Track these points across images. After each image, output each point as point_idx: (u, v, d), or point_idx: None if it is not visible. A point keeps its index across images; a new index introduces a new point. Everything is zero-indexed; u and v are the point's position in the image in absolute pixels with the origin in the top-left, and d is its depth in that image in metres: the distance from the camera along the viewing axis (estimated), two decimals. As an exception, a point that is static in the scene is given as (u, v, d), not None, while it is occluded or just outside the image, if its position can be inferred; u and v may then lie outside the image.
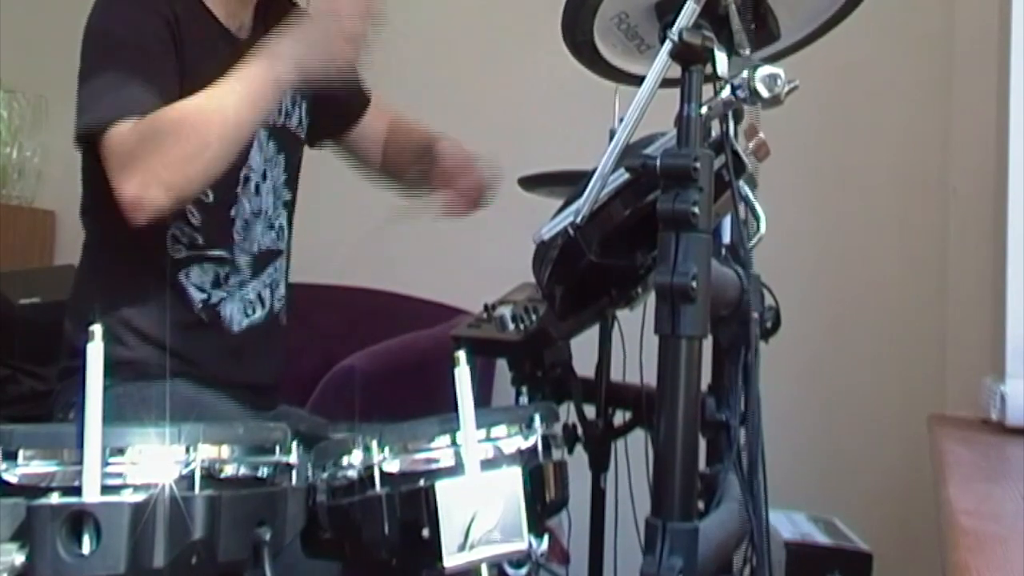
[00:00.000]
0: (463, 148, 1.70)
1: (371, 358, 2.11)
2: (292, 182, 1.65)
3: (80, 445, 0.84)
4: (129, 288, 1.50)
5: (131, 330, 1.48)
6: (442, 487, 0.96)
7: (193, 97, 1.34)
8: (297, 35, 1.36)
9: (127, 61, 1.38)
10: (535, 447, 1.07)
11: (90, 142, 1.37)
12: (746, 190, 1.15)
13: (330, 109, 1.70)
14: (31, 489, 0.86)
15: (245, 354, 1.56)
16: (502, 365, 2.07)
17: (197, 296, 1.51)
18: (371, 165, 1.81)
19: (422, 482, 0.99)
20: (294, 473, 1.00)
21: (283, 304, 1.65)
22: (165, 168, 1.30)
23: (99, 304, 1.47)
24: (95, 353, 0.85)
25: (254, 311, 1.58)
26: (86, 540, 0.82)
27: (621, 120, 1.05)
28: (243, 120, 1.35)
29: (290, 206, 1.66)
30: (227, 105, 1.33)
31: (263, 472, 0.97)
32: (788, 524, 1.84)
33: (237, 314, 1.55)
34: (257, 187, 1.57)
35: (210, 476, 0.91)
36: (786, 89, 1.01)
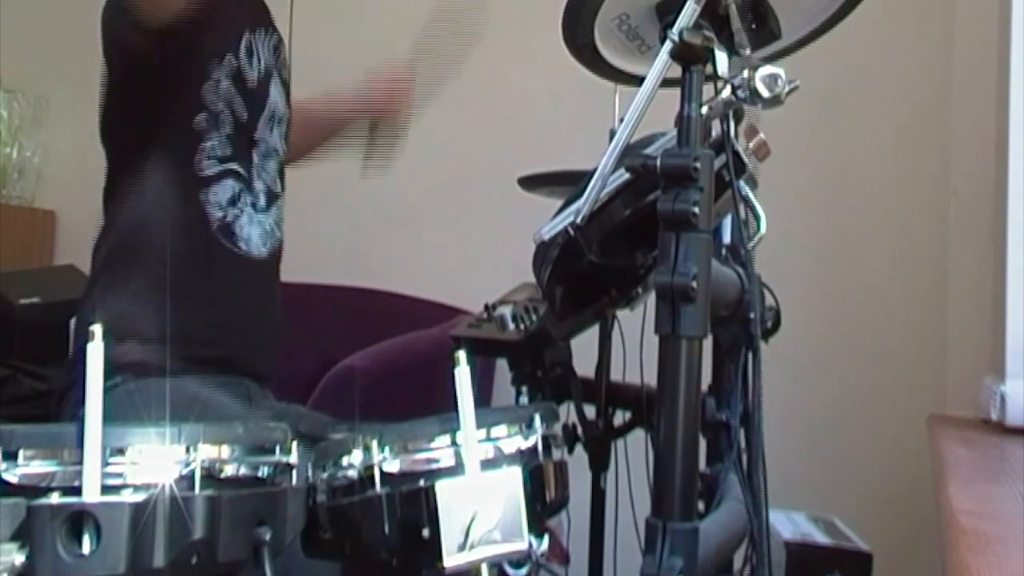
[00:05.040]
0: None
1: (371, 358, 2.11)
2: (287, 138, 1.70)
3: (80, 445, 0.84)
4: (153, 216, 1.51)
5: (149, 295, 1.48)
6: (442, 487, 0.96)
7: None
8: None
9: None
10: (535, 447, 1.07)
11: None
12: (746, 190, 1.15)
13: None
14: (31, 489, 0.85)
15: (262, 288, 1.59)
16: (502, 365, 2.06)
17: (216, 214, 1.53)
18: None
19: (422, 482, 0.99)
20: (294, 473, 1.00)
21: (280, 251, 1.68)
22: None
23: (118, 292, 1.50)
24: (95, 353, 0.85)
25: (267, 243, 1.60)
26: (86, 540, 0.82)
27: (621, 120, 1.05)
28: None
29: (282, 161, 1.69)
30: None
31: (263, 472, 0.96)
32: (788, 524, 1.84)
33: (257, 238, 1.57)
34: (277, 125, 1.64)
35: (210, 476, 0.90)
36: (786, 89, 1.01)
